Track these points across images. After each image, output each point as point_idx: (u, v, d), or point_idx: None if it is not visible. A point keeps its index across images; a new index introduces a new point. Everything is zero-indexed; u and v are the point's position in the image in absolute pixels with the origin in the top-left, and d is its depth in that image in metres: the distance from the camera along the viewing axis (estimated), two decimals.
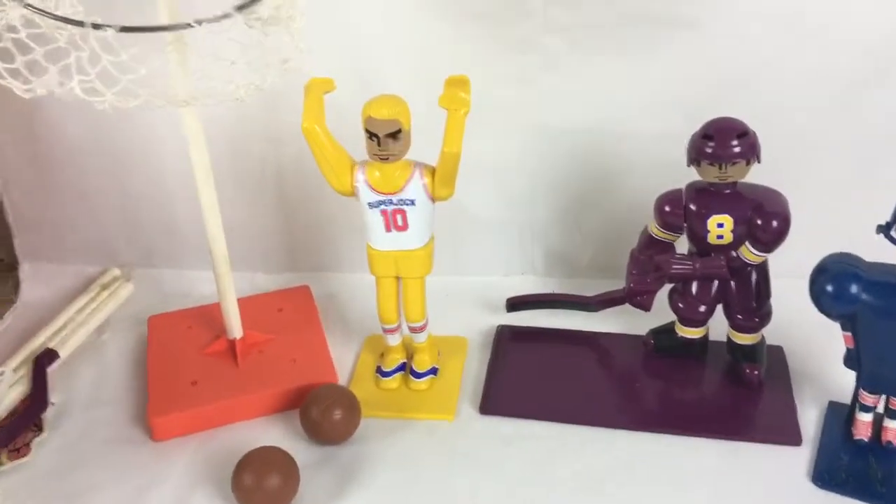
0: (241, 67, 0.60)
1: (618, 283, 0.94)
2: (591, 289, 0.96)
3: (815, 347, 0.87)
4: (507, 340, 0.92)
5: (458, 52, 0.90)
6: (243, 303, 0.94)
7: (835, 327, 0.77)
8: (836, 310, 0.69)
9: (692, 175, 0.80)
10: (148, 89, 0.56)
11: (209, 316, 0.95)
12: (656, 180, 0.95)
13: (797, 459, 0.75)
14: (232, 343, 0.89)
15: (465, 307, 0.99)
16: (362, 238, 1.03)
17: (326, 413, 0.77)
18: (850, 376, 0.78)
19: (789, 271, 0.80)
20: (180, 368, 0.87)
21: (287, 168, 0.99)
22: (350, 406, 0.79)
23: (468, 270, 1.04)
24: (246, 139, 0.97)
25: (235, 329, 0.88)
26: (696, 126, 0.86)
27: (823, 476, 0.72)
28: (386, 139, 0.73)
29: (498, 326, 0.94)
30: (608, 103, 0.93)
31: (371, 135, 0.73)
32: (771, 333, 0.86)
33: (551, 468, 0.76)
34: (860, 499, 0.70)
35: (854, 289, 0.68)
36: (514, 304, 0.95)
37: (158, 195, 1.02)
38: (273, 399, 0.84)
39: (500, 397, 0.84)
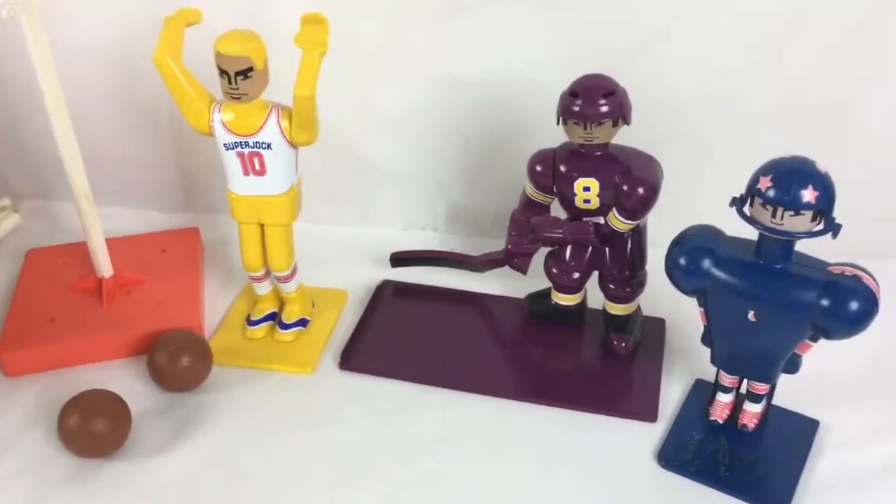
0: None
1: None
2: (491, 248, 0.93)
3: (696, 322, 0.82)
4: (387, 296, 0.89)
5: None
6: (125, 241, 0.92)
7: None
8: (687, 284, 0.66)
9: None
10: None
11: (87, 253, 0.92)
12: (562, 138, 0.91)
13: (649, 436, 0.72)
14: (100, 282, 0.86)
15: (357, 260, 0.96)
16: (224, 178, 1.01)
17: (173, 360, 0.75)
18: None
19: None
20: (44, 304, 0.85)
21: None
22: (199, 354, 0.76)
23: (368, 222, 1.00)
24: (138, 73, 0.93)
25: (104, 267, 0.86)
26: None
27: (668, 455, 0.69)
28: (237, 77, 0.69)
29: (381, 281, 0.91)
30: (518, 54, 0.88)
31: (222, 72, 0.70)
32: (655, 305, 0.83)
33: (394, 429, 0.74)
34: (701, 481, 0.67)
35: (706, 263, 0.64)
36: (399, 260, 0.92)
37: (48, 123, 0.98)
38: (131, 342, 0.82)
39: (363, 354, 0.81)
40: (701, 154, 0.89)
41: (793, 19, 0.81)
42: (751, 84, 0.85)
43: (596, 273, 0.80)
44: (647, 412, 0.74)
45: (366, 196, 1.00)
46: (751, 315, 0.63)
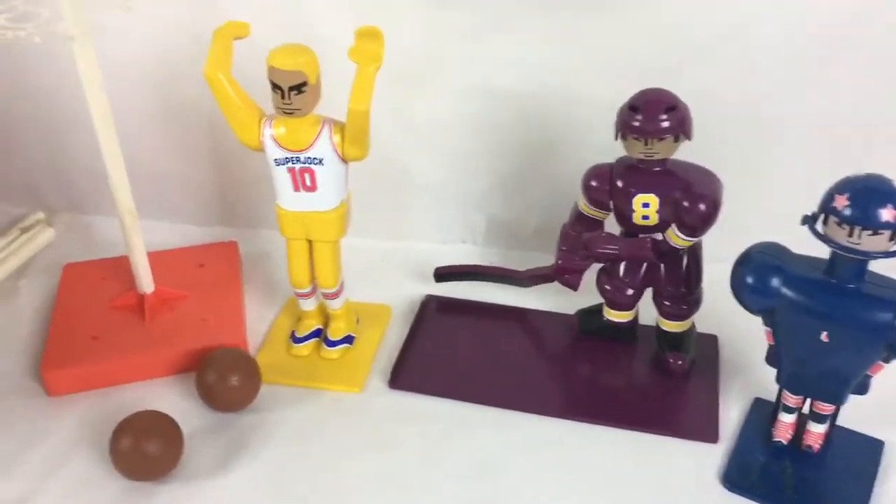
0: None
1: None
2: (532, 262, 0.92)
3: (750, 339, 0.81)
4: (431, 312, 0.88)
5: (400, 5, 0.84)
6: (164, 256, 0.91)
7: None
8: (755, 303, 0.65)
9: None
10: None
11: (127, 267, 0.91)
12: (604, 151, 0.89)
13: (711, 458, 0.71)
14: (141, 298, 0.85)
15: (397, 274, 0.95)
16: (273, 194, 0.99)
17: (222, 379, 0.74)
18: None
19: (729, 255, 0.75)
20: (84, 321, 0.84)
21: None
22: (248, 373, 0.75)
23: (405, 236, 0.99)
24: (179, 86, 0.92)
25: (145, 283, 0.85)
26: None
27: (733, 477, 0.68)
28: (290, 92, 0.68)
29: (425, 297, 0.90)
30: (558, 66, 0.87)
31: (275, 86, 0.68)
32: (706, 321, 0.81)
33: (450, 450, 0.72)
34: None
35: (775, 282, 0.63)
36: (442, 275, 0.90)
37: (85, 138, 0.97)
38: (176, 359, 0.80)
39: (411, 372, 0.80)
40: (747, 167, 0.87)
41: (845, 31, 0.80)
42: (800, 97, 0.83)
43: (649, 289, 0.78)
44: (708, 433, 0.72)
45: (403, 209, 0.99)
46: (823, 336, 0.61)
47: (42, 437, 0.74)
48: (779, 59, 0.82)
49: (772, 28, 0.81)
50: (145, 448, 0.67)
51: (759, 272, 0.63)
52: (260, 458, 0.72)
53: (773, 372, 0.76)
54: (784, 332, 0.65)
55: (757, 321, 0.81)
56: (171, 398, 0.78)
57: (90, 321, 0.84)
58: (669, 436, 0.73)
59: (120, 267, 0.91)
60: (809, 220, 0.60)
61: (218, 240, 0.99)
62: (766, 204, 0.84)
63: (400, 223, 0.99)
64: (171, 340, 0.81)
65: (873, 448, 0.70)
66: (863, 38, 0.79)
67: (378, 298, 0.90)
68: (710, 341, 0.82)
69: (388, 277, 0.94)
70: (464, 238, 1.00)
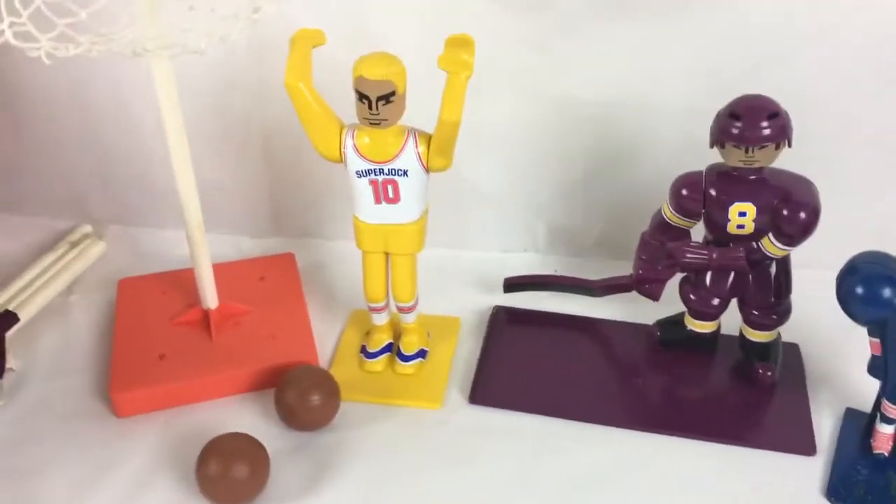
0: (205, 14, 0.52)
1: (623, 265, 0.87)
2: (595, 269, 0.90)
3: (833, 347, 0.81)
4: (502, 323, 0.86)
5: (467, 9, 0.82)
6: (223, 269, 0.88)
7: (856, 327, 0.71)
8: (866, 315, 0.63)
9: (715, 156, 0.73)
10: (91, 36, 0.48)
11: (185, 281, 0.88)
12: (673, 158, 0.88)
13: (810, 471, 0.69)
14: (206, 314, 0.82)
15: (459, 285, 0.92)
16: (352, 205, 0.97)
17: (303, 398, 0.71)
18: (869, 382, 0.72)
19: (808, 262, 0.74)
20: (149, 339, 0.81)
21: (275, 126, 0.92)
22: (329, 391, 0.73)
23: (465, 245, 0.97)
24: (230, 94, 0.89)
25: (210, 299, 0.82)
26: (723, 103, 0.78)
27: (838, 492, 0.66)
28: (378, 102, 0.66)
29: (493, 308, 0.88)
30: (627, 73, 0.85)
31: (362, 96, 0.66)
32: (787, 330, 0.80)
33: (539, 467, 0.70)
34: None
35: (887, 293, 0.61)
36: (512, 285, 0.88)
37: (134, 149, 0.95)
38: (247, 378, 0.78)
39: (491, 387, 0.78)
40: (824, 170, 0.86)
41: None
42: (877, 100, 0.82)
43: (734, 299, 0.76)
44: (805, 445, 0.71)
45: (463, 217, 0.97)
46: None
47: (119, 461, 0.71)
48: (851, 63, 0.81)
49: (843, 32, 0.79)
50: (235, 472, 0.65)
51: (869, 283, 0.62)
52: (347, 478, 0.70)
53: (860, 381, 0.75)
54: None
55: (840, 329, 0.80)
56: (246, 417, 0.76)
57: (155, 339, 0.81)
58: (763, 449, 0.71)
59: (178, 281, 0.89)
60: None
61: (270, 251, 0.97)
62: (844, 209, 0.82)
63: (460, 232, 0.96)
64: (240, 358, 0.79)
65: None
66: None
67: (443, 310, 0.88)
68: (793, 350, 0.80)
69: (450, 288, 0.92)
70: (525, 247, 0.98)
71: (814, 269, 0.74)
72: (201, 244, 0.79)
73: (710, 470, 0.70)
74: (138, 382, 0.76)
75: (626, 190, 0.92)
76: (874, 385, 0.71)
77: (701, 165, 0.75)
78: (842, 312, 0.76)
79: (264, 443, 0.69)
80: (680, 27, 0.82)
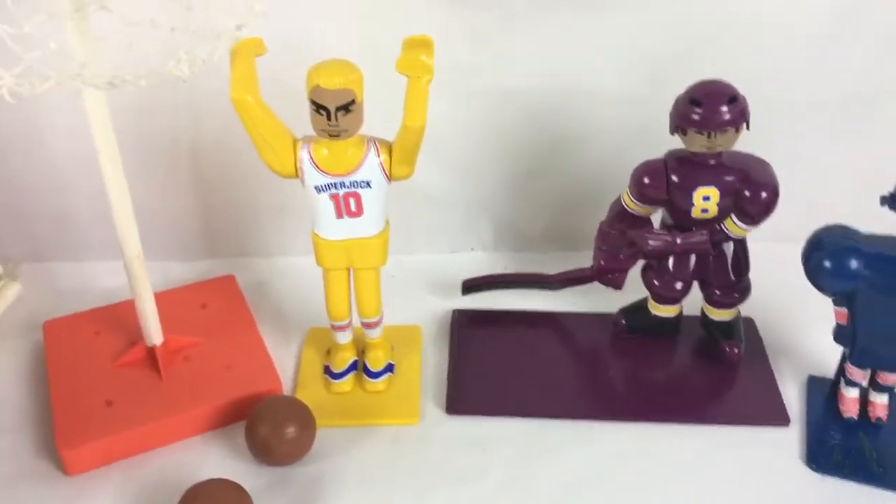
0: (183, 36, 0.47)
1: (571, 256, 0.88)
2: (543, 262, 0.90)
3: (787, 319, 0.84)
4: (464, 327, 0.84)
5: (401, 9, 0.79)
6: (159, 299, 0.81)
7: (807, 297, 0.74)
8: (834, 287, 0.65)
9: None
10: (57, 70, 0.42)
11: (119, 317, 0.82)
12: (614, 145, 0.89)
13: (787, 441, 0.72)
14: (151, 351, 0.76)
15: (412, 291, 0.90)
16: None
17: (278, 431, 0.67)
18: (827, 349, 0.75)
19: (752, 235, 0.76)
20: (90, 385, 0.74)
21: (203, 143, 0.86)
22: (304, 421, 0.69)
23: (412, 249, 0.94)
24: (154, 110, 0.83)
25: (155, 335, 0.76)
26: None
27: (818, 458, 0.69)
28: (337, 112, 0.62)
29: (453, 311, 0.86)
30: (564, 61, 0.85)
31: (319, 107, 0.62)
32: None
33: (532, 471, 0.69)
34: (858, 480, 0.67)
35: (854, 264, 0.63)
36: (470, 287, 0.86)
37: (45, 181, 0.86)
38: (208, 415, 0.73)
39: (466, 395, 0.76)
40: (762, 146, 0.88)
41: (848, 12, 0.82)
42: (808, 74, 0.85)
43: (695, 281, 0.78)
44: (778, 417, 0.73)
45: (408, 221, 0.93)
46: None
47: None
48: (782, 41, 0.83)
49: (775, 13, 0.82)
50: None
51: (836, 256, 0.64)
52: None
53: (817, 349, 0.79)
54: (865, 311, 0.65)
55: (788, 301, 0.83)
56: (213, 458, 0.71)
57: (97, 384, 0.74)
58: (741, 425, 0.73)
59: (111, 318, 0.82)
60: (889, 201, 0.61)
61: (203, 275, 0.91)
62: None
63: (406, 236, 0.93)
64: (197, 395, 0.73)
65: None
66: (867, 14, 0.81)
67: (400, 319, 0.84)
68: (750, 325, 0.83)
69: (404, 295, 0.89)
70: (472, 245, 0.96)
71: (755, 242, 0.77)
72: (142, 276, 0.73)
73: (695, 452, 0.71)
74: (88, 435, 0.69)
75: (568, 181, 0.92)
76: (832, 352, 0.74)
77: (640, 151, 0.75)
78: (790, 284, 0.79)
79: (239, 483, 0.65)
80: (613, 15, 0.82)
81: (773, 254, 0.79)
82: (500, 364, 0.79)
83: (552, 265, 0.87)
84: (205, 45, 0.50)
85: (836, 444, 0.70)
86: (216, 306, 0.85)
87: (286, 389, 0.77)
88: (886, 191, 0.62)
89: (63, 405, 0.72)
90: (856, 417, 0.72)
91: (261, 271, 0.93)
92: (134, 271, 0.72)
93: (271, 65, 0.65)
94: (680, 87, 0.71)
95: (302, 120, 0.65)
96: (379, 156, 0.66)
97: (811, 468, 0.68)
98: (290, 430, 0.67)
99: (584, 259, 0.84)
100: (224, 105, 0.63)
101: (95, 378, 0.75)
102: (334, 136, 0.63)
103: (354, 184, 0.66)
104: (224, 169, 0.87)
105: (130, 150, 0.85)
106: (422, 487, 0.68)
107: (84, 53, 0.50)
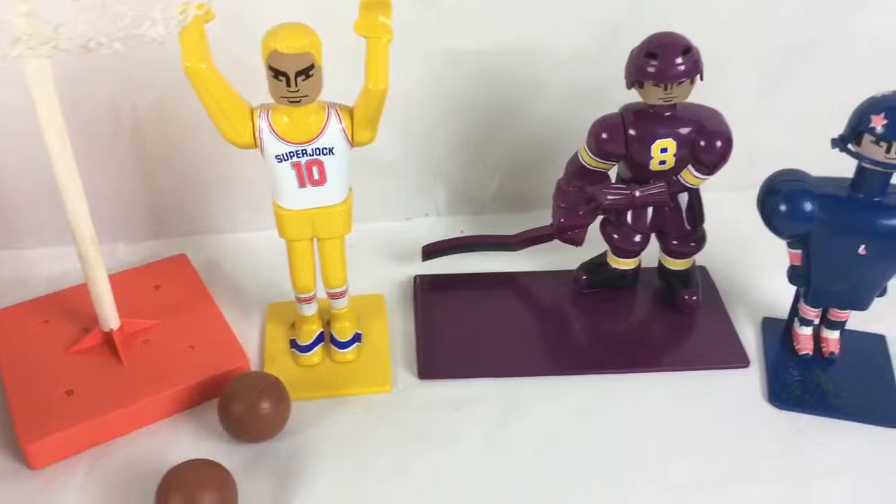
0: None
1: (524, 217, 0.89)
2: (498, 224, 0.90)
3: (738, 265, 0.87)
4: (427, 292, 0.84)
5: None
6: (110, 283, 0.79)
7: (755, 242, 0.77)
8: (790, 230, 0.68)
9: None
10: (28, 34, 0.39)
11: (67, 304, 0.79)
12: (565, 105, 0.89)
13: (749, 381, 0.75)
14: (108, 336, 0.73)
15: (371, 259, 0.89)
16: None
17: (253, 408, 0.66)
18: (778, 291, 0.79)
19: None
20: (47, 376, 0.71)
21: (146, 117, 0.83)
22: (278, 395, 0.68)
23: (367, 217, 0.92)
24: (91, 83, 0.79)
25: (111, 319, 0.73)
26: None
27: (779, 395, 0.72)
28: (297, 78, 0.60)
29: (415, 277, 0.86)
30: (513, 22, 0.84)
31: (277, 73, 0.60)
32: None
33: (506, 428, 0.70)
34: (819, 413, 0.70)
35: (808, 207, 0.66)
36: (430, 252, 0.86)
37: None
38: (175, 398, 0.71)
39: (436, 359, 0.76)
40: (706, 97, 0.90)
41: None
42: (748, 27, 0.87)
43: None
44: (738, 358, 0.76)
45: (362, 189, 0.92)
46: (861, 249, 0.65)
47: None
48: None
49: None
50: None
51: (790, 199, 0.66)
52: (316, 483, 0.66)
53: (768, 291, 0.82)
54: (819, 252, 0.68)
55: (735, 246, 0.86)
56: (186, 440, 0.69)
57: (54, 374, 0.71)
58: (704, 369, 0.75)
59: (59, 305, 0.79)
60: (840, 142, 0.64)
61: (153, 256, 0.88)
62: None
63: (361, 204, 0.91)
64: (161, 378, 0.71)
65: (878, 343, 0.77)
66: None
67: (362, 288, 0.84)
68: (703, 272, 0.85)
69: (363, 264, 0.87)
70: (427, 211, 0.96)
71: (704, 191, 0.79)
72: (96, 259, 0.70)
73: (661, 398, 0.73)
74: (50, 426, 0.67)
75: (519, 140, 0.93)
76: (783, 293, 0.77)
77: (590, 110, 0.76)
78: (738, 231, 0.82)
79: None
80: None
81: (718, 202, 0.82)
82: (466, 327, 0.80)
83: (507, 227, 0.88)
84: (178, 4, 0.48)
85: (795, 381, 0.73)
86: (170, 286, 0.82)
87: (253, 366, 0.76)
88: (836, 133, 0.64)
89: (20, 399, 0.69)
90: (811, 354, 0.75)
91: (211, 249, 0.90)
92: (87, 254, 0.69)
93: (219, 35, 0.62)
94: (631, 42, 0.71)
95: (254, 92, 0.64)
96: (341, 122, 0.64)
97: (774, 405, 0.71)
98: (266, 406, 0.66)
99: (538, 220, 0.84)
100: (164, 74, 0.60)
101: (51, 368, 0.72)
102: (295, 102, 0.62)
103: (317, 151, 0.65)
104: (167, 143, 0.84)
105: (68, 124, 0.82)
106: (400, 452, 0.68)
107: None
